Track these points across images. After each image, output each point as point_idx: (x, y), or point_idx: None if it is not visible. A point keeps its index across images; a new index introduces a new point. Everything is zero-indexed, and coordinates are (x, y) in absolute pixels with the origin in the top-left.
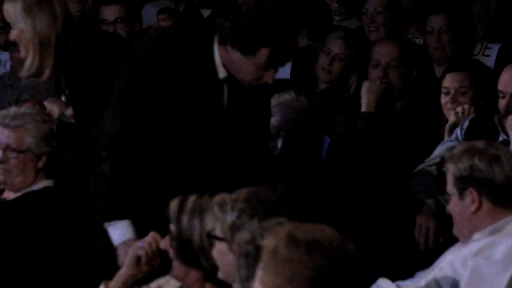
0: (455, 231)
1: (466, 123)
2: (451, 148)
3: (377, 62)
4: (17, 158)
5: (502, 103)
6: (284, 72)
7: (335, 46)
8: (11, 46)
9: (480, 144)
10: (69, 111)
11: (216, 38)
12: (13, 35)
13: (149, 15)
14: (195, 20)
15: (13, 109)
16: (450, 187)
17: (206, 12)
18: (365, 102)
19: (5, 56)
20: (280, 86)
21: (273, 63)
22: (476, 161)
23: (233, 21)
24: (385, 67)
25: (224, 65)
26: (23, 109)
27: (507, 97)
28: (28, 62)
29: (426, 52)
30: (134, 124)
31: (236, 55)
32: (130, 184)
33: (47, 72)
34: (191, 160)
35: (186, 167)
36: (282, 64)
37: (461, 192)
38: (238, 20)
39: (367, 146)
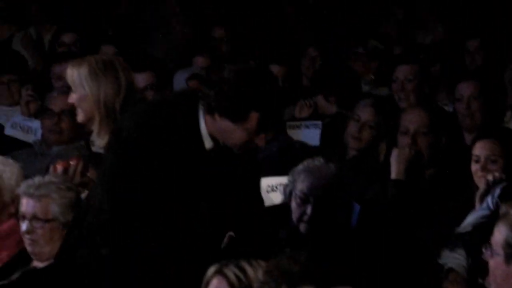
0: (491, 285)
1: (498, 191)
2: (483, 217)
3: (405, 130)
4: (43, 228)
5: None
6: (314, 139)
7: (365, 113)
8: (42, 114)
9: None
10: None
11: (201, 108)
12: (72, 98)
13: (180, 82)
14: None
15: (37, 179)
16: (498, 247)
17: None
18: (395, 170)
19: (36, 124)
20: (310, 153)
21: (264, 127)
22: None
23: (219, 89)
24: (413, 135)
25: (211, 134)
26: (48, 178)
27: None
28: (95, 128)
29: (455, 119)
30: (126, 200)
31: (225, 123)
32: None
33: (106, 138)
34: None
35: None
36: (272, 127)
37: (508, 258)
38: (225, 88)
39: (397, 213)
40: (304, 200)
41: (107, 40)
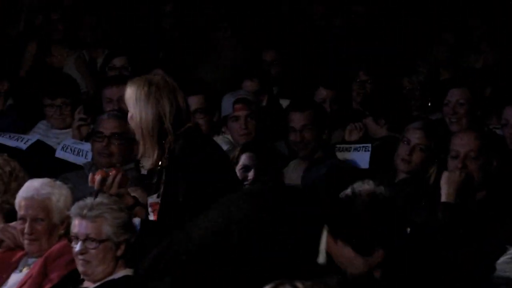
0: None
1: None
2: None
3: (456, 153)
4: (96, 248)
5: None
6: (363, 162)
7: (415, 136)
8: (92, 137)
9: None
10: (150, 200)
11: (326, 228)
12: (128, 115)
13: (227, 105)
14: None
15: (89, 200)
16: None
17: (285, 102)
18: (445, 193)
19: (86, 146)
20: (359, 175)
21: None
22: None
23: (349, 218)
24: (463, 158)
25: (328, 253)
26: (99, 199)
27: None
28: (140, 149)
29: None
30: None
31: (348, 251)
32: None
33: (152, 160)
34: None
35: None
36: None
37: None
38: (354, 218)
39: (447, 236)
40: None
41: (158, 64)
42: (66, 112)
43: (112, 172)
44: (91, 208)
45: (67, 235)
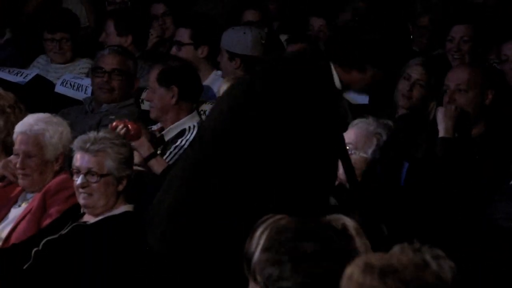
0: None
1: None
2: None
3: (446, 88)
4: (98, 182)
5: None
6: (363, 97)
7: (415, 72)
8: (93, 72)
9: None
10: (155, 127)
11: (332, 62)
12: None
13: (234, 38)
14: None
15: (92, 134)
16: None
17: (283, 37)
18: (443, 128)
19: (86, 81)
20: (359, 111)
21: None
22: None
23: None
24: (452, 92)
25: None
26: (102, 133)
27: None
28: None
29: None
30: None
31: (353, 74)
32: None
33: None
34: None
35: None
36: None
37: None
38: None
39: (446, 171)
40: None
41: None
42: (66, 46)
43: (131, 125)
44: (93, 142)
45: (66, 170)
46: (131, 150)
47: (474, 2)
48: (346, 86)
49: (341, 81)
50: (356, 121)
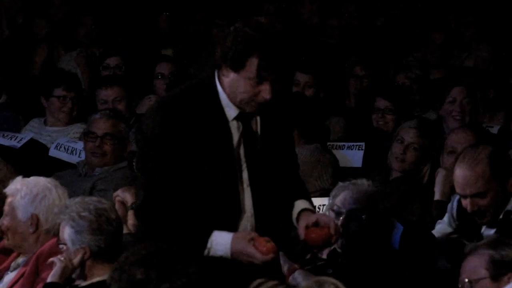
0: None
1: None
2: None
3: (452, 149)
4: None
5: None
6: (356, 159)
7: (409, 135)
8: (84, 137)
9: None
10: None
11: (215, 74)
12: None
13: None
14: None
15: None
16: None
17: None
18: (440, 191)
19: (80, 145)
20: (352, 174)
21: (265, 74)
22: None
23: (222, 41)
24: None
25: (231, 100)
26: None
27: None
28: None
29: (500, 140)
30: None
31: (231, 76)
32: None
33: None
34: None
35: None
36: (274, 73)
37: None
38: (227, 38)
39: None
40: (337, 213)
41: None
42: (75, 106)
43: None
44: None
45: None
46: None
47: (465, 65)
48: (233, 97)
49: (226, 93)
50: (346, 183)
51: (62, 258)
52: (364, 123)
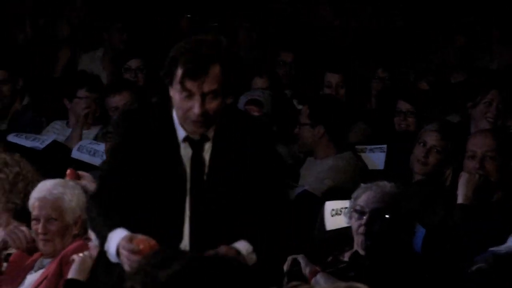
0: None
1: None
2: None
3: (473, 154)
4: None
5: None
6: (378, 162)
7: (431, 138)
8: (106, 139)
9: None
10: None
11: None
12: None
13: (240, 105)
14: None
15: None
16: None
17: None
18: (462, 194)
19: (102, 147)
20: (373, 176)
21: (189, 83)
22: None
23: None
24: (481, 159)
25: (180, 123)
26: None
27: None
28: None
29: None
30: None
31: (171, 92)
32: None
33: None
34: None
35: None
36: (195, 80)
37: None
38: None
39: (463, 238)
40: (360, 213)
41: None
42: (96, 108)
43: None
44: None
45: (82, 235)
46: None
47: (488, 68)
48: (178, 116)
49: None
50: (368, 185)
51: (81, 254)
52: (386, 125)
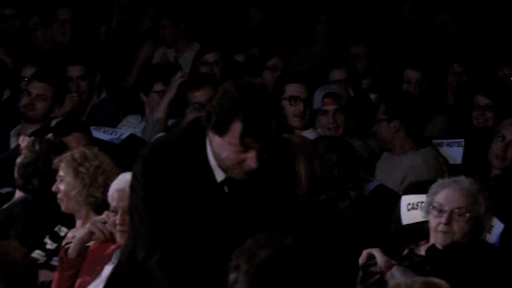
0: None
1: None
2: None
3: None
4: None
5: None
6: (456, 156)
7: (510, 132)
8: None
9: None
10: None
11: (207, 137)
12: None
13: (317, 98)
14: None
15: None
16: None
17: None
18: None
19: None
20: (451, 171)
21: (249, 140)
22: None
23: (211, 105)
24: None
25: (220, 166)
26: None
27: None
28: None
29: None
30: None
31: (216, 140)
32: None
33: None
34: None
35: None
36: (259, 139)
37: None
38: (214, 102)
39: None
40: (440, 210)
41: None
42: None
43: None
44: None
45: None
46: None
47: None
48: (219, 161)
49: (214, 156)
50: (446, 181)
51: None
52: (464, 120)
